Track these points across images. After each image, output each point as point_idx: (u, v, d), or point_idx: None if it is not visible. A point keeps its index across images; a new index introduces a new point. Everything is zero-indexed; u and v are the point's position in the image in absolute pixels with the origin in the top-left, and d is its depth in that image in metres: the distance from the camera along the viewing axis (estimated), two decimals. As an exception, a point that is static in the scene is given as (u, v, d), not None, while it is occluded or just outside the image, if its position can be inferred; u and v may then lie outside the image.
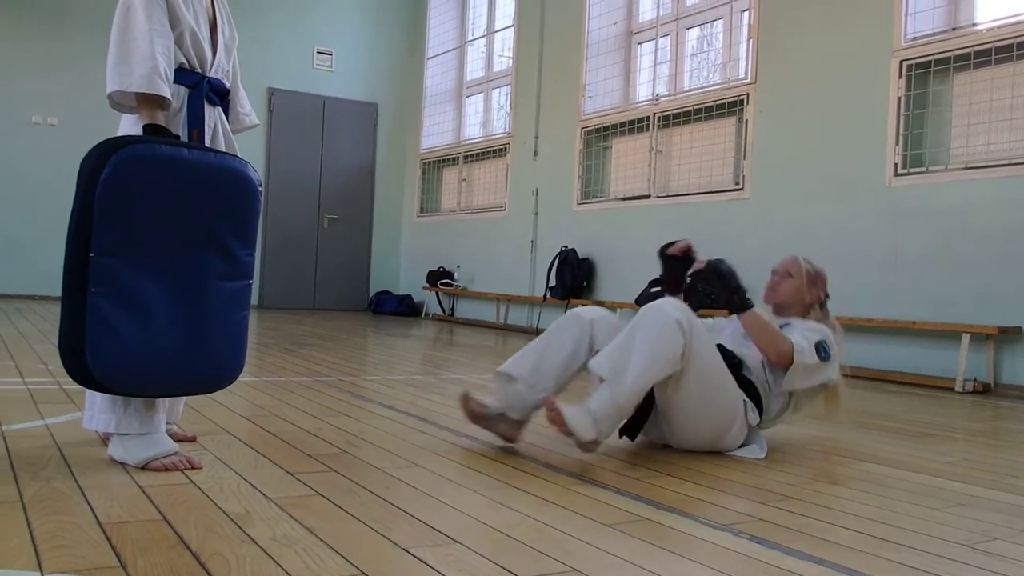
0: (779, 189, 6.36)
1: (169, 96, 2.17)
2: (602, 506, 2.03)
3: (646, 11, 8.04)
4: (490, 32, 10.16)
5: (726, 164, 6.92)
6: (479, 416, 2.68)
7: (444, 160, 10.80)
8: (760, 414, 2.73)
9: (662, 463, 2.56)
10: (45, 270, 8.92)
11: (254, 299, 2.31)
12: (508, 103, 9.63)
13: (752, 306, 2.72)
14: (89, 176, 1.99)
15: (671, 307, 2.54)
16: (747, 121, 6.63)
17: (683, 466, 2.53)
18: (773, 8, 6.51)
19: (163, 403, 2.27)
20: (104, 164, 1.98)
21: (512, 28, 9.56)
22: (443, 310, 10.40)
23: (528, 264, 8.97)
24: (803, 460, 2.72)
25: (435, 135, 10.96)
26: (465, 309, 10.10)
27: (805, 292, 2.89)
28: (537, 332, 8.39)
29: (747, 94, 6.64)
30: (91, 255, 1.98)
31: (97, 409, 2.21)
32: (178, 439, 2.44)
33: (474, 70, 10.47)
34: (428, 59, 11.06)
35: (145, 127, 2.14)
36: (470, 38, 10.53)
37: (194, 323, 2.11)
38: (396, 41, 11.36)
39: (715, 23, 7.36)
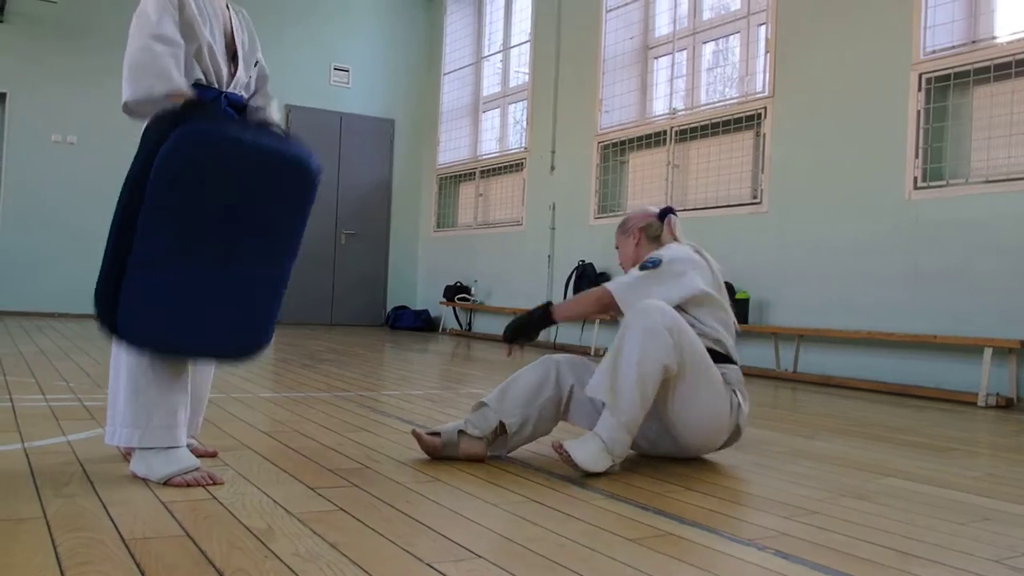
0: (797, 203, 6.34)
1: (185, 87, 2.21)
2: (625, 521, 2.02)
3: (662, 26, 8.06)
4: (506, 48, 10.20)
5: (744, 178, 6.90)
6: (435, 446, 2.64)
7: (461, 175, 10.83)
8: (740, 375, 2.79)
9: (685, 477, 2.54)
10: (64, 288, 9.01)
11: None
12: (524, 118, 9.66)
13: (550, 306, 2.88)
14: (151, 147, 2.03)
15: (652, 308, 2.56)
16: (765, 135, 6.62)
17: (707, 480, 2.51)
18: (790, 22, 6.50)
19: (184, 418, 2.27)
20: (166, 137, 2.02)
21: (528, 43, 9.60)
22: (460, 325, 10.40)
23: (545, 279, 8.97)
24: (826, 475, 2.70)
25: (452, 150, 11.00)
26: (482, 324, 10.11)
27: (626, 247, 3.00)
28: (555, 347, 8.43)
29: (765, 108, 6.63)
30: (139, 224, 2.03)
31: (119, 424, 2.22)
32: (199, 454, 2.44)
33: (490, 85, 10.51)
34: (444, 75, 11.12)
35: (185, 104, 2.13)
36: (486, 54, 10.58)
37: (232, 297, 2.15)
38: (413, 57, 11.42)
39: (731, 37, 7.36)
